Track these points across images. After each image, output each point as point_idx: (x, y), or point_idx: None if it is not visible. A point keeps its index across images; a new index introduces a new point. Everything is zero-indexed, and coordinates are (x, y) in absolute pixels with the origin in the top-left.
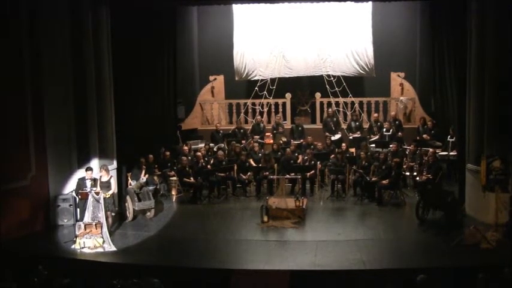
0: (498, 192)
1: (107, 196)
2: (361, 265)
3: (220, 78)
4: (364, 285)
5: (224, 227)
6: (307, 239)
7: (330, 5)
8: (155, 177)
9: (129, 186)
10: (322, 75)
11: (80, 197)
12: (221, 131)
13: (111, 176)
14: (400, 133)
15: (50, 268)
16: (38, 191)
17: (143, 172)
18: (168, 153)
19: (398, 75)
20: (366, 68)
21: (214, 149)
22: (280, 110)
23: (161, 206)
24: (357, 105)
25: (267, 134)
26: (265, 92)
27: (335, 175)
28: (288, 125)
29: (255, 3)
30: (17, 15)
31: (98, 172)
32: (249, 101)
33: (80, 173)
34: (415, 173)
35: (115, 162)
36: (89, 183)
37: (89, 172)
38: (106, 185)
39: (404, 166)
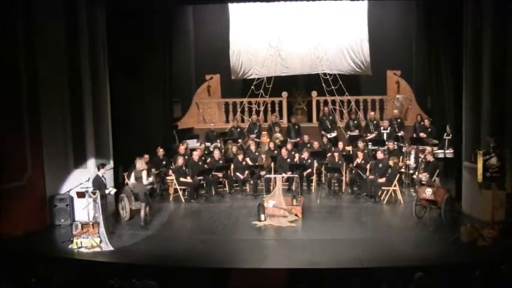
0: (494, 189)
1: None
2: (358, 263)
3: (217, 77)
4: (361, 284)
5: (221, 226)
6: (304, 238)
7: (326, 3)
8: (152, 177)
9: (126, 186)
10: (318, 74)
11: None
12: (215, 131)
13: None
14: (402, 132)
15: (47, 268)
16: (35, 191)
17: None
18: (161, 150)
19: (395, 73)
20: (362, 66)
21: (211, 149)
22: (277, 108)
23: (158, 205)
24: (353, 103)
25: (263, 132)
26: (261, 90)
27: (332, 173)
28: (284, 123)
29: (250, 2)
30: (12, 16)
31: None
32: (245, 100)
33: (77, 172)
34: (411, 171)
35: (111, 162)
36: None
37: (102, 170)
38: (139, 175)
39: (401, 164)
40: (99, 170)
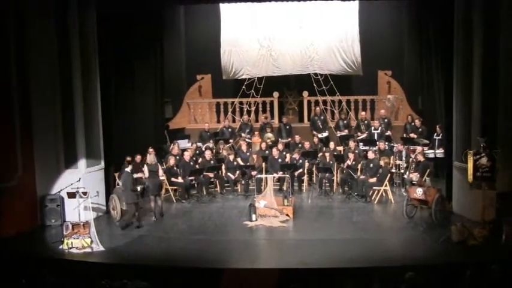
0: (485, 189)
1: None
2: (349, 263)
3: (208, 77)
4: (352, 284)
5: (212, 226)
6: (295, 238)
7: (317, 3)
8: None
9: (117, 186)
10: (309, 74)
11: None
12: (208, 132)
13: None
14: (389, 131)
15: (38, 269)
16: (26, 191)
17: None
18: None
19: (386, 73)
20: (353, 66)
21: (202, 149)
22: (268, 108)
23: (149, 205)
24: (344, 103)
25: (254, 133)
26: (252, 90)
27: (323, 173)
28: (275, 123)
29: (242, 2)
30: (2, 18)
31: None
32: (237, 100)
33: (68, 173)
34: (402, 171)
35: (102, 162)
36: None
37: (131, 166)
38: (155, 168)
39: (392, 164)
40: (127, 166)
